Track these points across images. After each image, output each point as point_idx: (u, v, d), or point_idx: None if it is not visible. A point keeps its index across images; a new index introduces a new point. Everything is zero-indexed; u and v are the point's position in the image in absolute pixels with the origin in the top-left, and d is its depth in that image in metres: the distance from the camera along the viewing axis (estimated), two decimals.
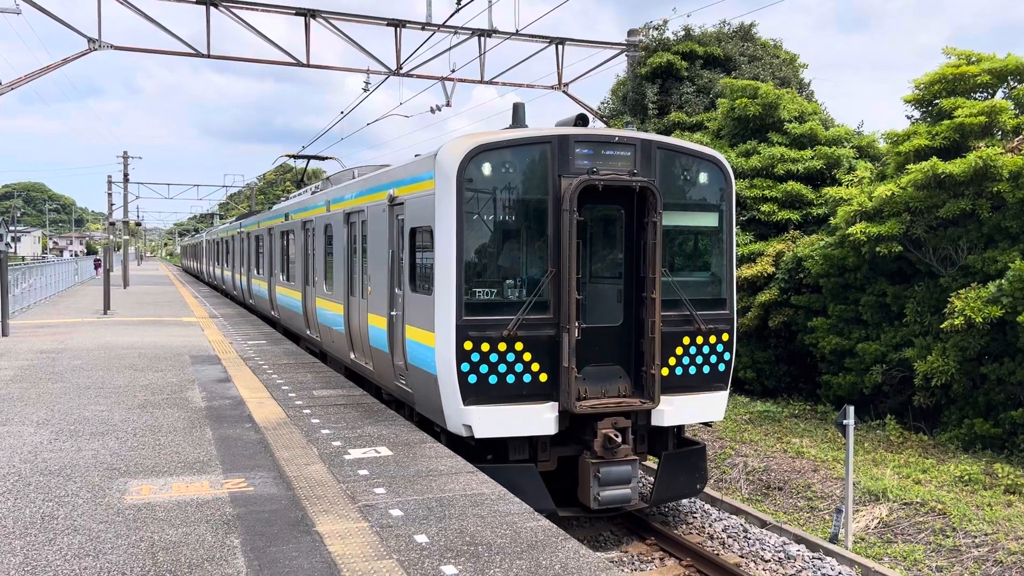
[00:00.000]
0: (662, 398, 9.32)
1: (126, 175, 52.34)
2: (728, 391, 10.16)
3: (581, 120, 9.72)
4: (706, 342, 9.82)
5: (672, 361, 9.63)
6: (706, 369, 9.84)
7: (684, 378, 9.72)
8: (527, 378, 8.95)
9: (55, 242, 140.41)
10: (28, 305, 26.66)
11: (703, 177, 10.00)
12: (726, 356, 9.99)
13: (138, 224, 66.89)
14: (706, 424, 10.92)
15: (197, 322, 21.97)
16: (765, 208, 18.13)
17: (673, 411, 9.53)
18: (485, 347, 8.81)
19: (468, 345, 8.77)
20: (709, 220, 10.18)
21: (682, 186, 9.92)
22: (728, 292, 10.19)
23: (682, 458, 10.09)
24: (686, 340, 9.71)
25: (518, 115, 9.96)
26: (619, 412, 9.22)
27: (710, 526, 10.73)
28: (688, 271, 10.27)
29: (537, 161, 9.11)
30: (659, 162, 9.58)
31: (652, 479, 10.88)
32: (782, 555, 9.74)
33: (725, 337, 9.96)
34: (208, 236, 47.87)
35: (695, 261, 10.47)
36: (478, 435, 8.85)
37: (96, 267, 56.59)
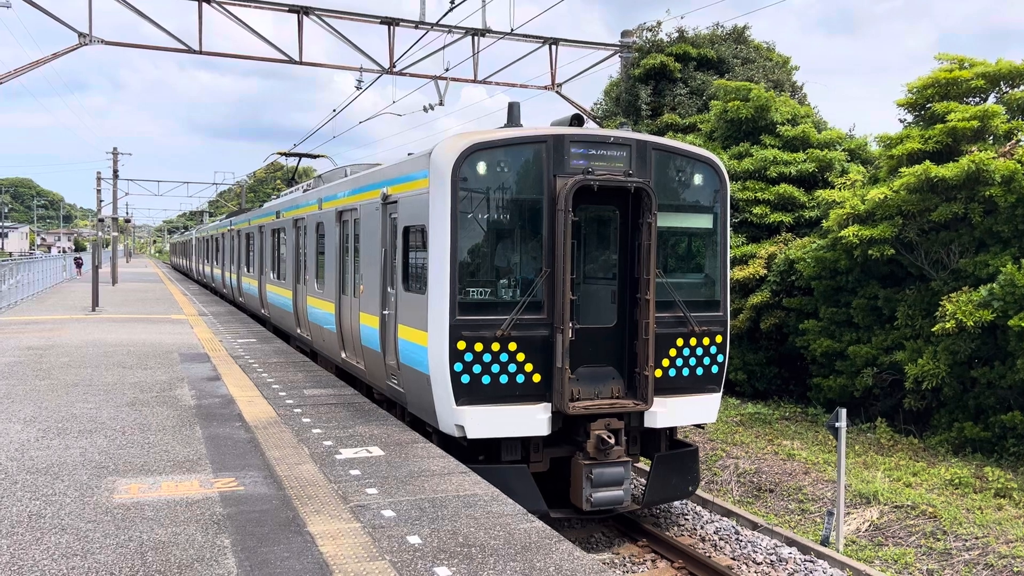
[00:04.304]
0: (655, 399, 9.28)
1: (115, 171, 52.03)
2: (721, 393, 10.13)
3: (576, 120, 9.67)
4: (700, 344, 9.78)
5: (665, 363, 9.59)
6: (699, 371, 9.81)
7: (677, 380, 9.68)
8: (520, 378, 8.90)
9: (43, 238, 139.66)
10: (15, 301, 26.46)
11: (698, 178, 9.97)
12: (719, 358, 9.96)
13: (127, 221, 66.38)
14: (698, 426, 10.89)
15: (186, 320, 21.84)
16: (757, 210, 18.15)
17: (666, 413, 9.49)
18: (478, 347, 8.75)
19: (461, 345, 8.71)
20: (704, 222, 10.14)
21: (677, 187, 9.88)
22: (722, 294, 10.16)
23: (674, 460, 10.06)
24: (680, 342, 9.67)
25: (513, 114, 9.91)
26: (612, 413, 9.18)
27: (701, 528, 10.72)
28: (682, 272, 10.23)
29: (532, 161, 9.06)
30: (654, 163, 9.54)
31: (644, 481, 10.85)
32: (774, 557, 9.73)
33: (719, 339, 9.92)
34: (198, 233, 47.60)
35: (689, 263, 10.44)
36: (471, 435, 8.79)
37: (77, 266, 51.78)
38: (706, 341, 9.81)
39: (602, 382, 9.37)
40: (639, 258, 9.31)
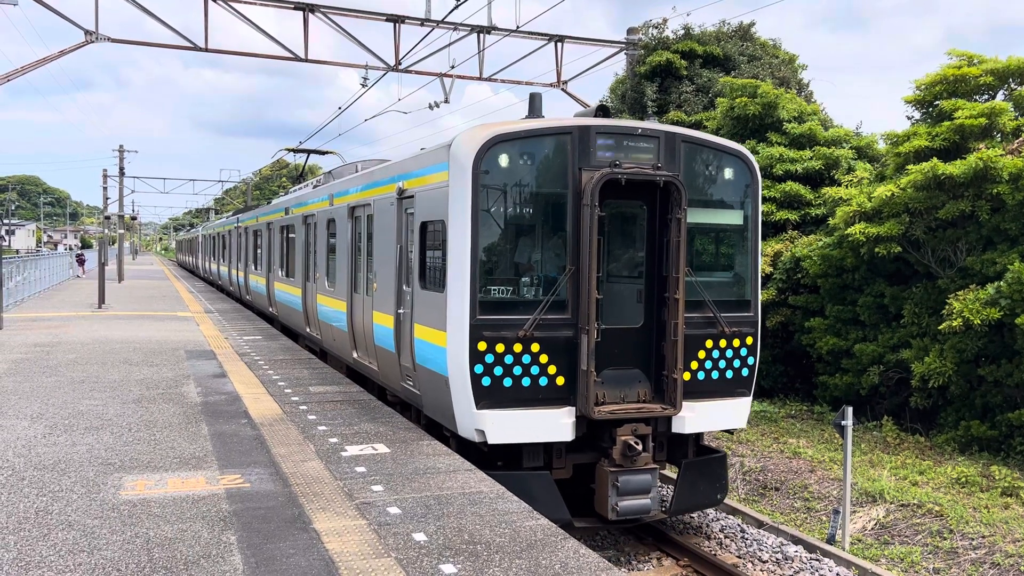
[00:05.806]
0: (683, 404, 8.82)
1: (122, 169, 52.18)
2: (752, 397, 9.67)
3: (602, 111, 9.25)
4: (730, 345, 9.33)
5: (694, 365, 9.12)
6: (729, 374, 9.37)
7: (706, 383, 9.20)
8: (543, 381, 8.52)
9: (49, 236, 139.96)
10: (22, 299, 26.53)
11: (728, 172, 9.51)
12: (750, 360, 9.49)
13: (133, 218, 66.36)
14: (727, 431, 10.26)
15: (192, 317, 21.89)
16: (763, 208, 18.10)
17: (695, 418, 9.04)
18: (500, 348, 8.38)
19: (482, 345, 8.35)
20: (734, 218, 9.67)
21: (706, 182, 9.45)
22: (753, 293, 9.64)
23: (703, 466, 9.60)
24: (709, 343, 9.20)
25: (535, 106, 9.55)
26: (639, 418, 8.72)
27: (707, 526, 10.70)
28: (712, 271, 9.79)
29: (556, 153, 8.68)
30: (683, 156, 9.10)
31: (670, 487, 10.61)
32: (779, 556, 9.71)
33: (749, 340, 9.46)
34: (204, 231, 47.60)
35: (719, 260, 10.00)
36: (491, 440, 8.42)
37: (80, 263, 48.94)
38: (736, 343, 9.36)
39: (628, 385, 8.94)
40: (667, 255, 8.83)
